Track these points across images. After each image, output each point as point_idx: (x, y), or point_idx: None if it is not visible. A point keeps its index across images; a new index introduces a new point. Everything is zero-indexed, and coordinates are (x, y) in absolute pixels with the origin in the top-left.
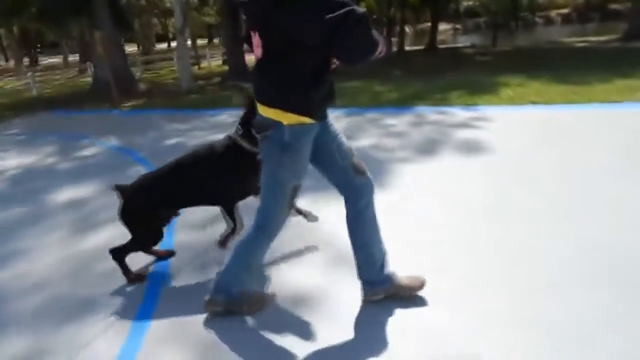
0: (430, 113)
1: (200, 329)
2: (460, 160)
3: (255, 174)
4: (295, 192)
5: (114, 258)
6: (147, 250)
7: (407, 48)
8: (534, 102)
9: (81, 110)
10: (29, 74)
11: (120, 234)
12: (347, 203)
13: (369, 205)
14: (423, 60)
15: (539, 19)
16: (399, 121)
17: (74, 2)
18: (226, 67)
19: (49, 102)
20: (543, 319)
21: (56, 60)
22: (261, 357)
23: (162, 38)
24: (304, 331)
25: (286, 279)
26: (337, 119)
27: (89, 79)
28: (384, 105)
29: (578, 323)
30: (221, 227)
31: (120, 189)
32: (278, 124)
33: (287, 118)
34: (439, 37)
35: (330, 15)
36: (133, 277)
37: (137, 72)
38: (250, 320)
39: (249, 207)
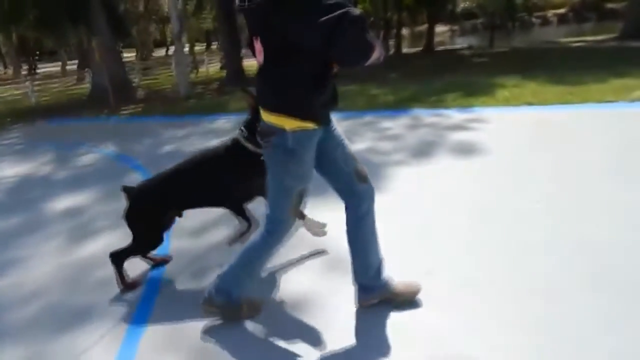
0: (426, 115)
1: (196, 335)
2: (456, 162)
3: (260, 175)
4: (302, 196)
5: (113, 262)
6: (146, 254)
7: (404, 50)
8: (529, 103)
9: (79, 117)
10: (27, 82)
11: (116, 241)
12: (348, 209)
13: (369, 211)
14: (420, 62)
15: (535, 19)
16: (395, 124)
17: (71, 9)
18: (224, 73)
19: (47, 110)
20: (542, 320)
21: (55, 68)
22: None
23: (160, 44)
24: (300, 336)
25: (282, 284)
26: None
27: (88, 87)
28: (380, 108)
29: (576, 324)
30: (217, 233)
31: (127, 190)
32: (280, 130)
33: (290, 123)
34: (437, 39)
35: (326, 17)
36: (128, 285)
37: (135, 78)
38: (246, 326)
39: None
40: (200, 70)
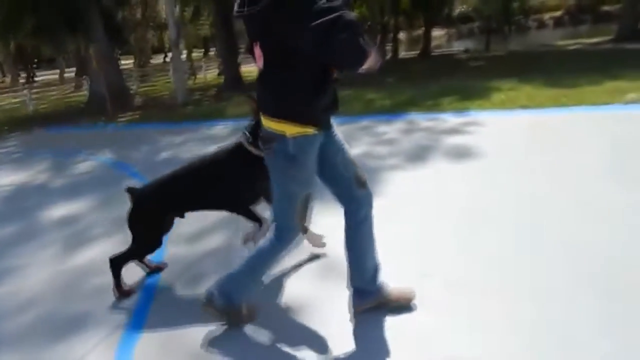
0: (422, 119)
1: (191, 342)
2: (451, 166)
3: (264, 179)
4: (307, 201)
5: (112, 266)
6: (145, 256)
7: (401, 54)
8: (525, 106)
9: (77, 125)
10: (25, 90)
11: (112, 248)
12: (346, 214)
13: (367, 217)
14: (417, 66)
15: (532, 22)
16: (390, 128)
17: (69, 17)
18: (222, 79)
19: (44, 118)
20: (536, 323)
21: (53, 76)
22: None
23: (158, 51)
24: (297, 342)
25: (278, 288)
26: None
27: (85, 94)
28: (376, 112)
29: (571, 326)
30: (212, 240)
31: (131, 192)
32: (281, 136)
33: (290, 129)
34: (434, 43)
35: (319, 20)
36: (123, 292)
37: (133, 85)
38: (242, 332)
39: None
40: (198, 76)
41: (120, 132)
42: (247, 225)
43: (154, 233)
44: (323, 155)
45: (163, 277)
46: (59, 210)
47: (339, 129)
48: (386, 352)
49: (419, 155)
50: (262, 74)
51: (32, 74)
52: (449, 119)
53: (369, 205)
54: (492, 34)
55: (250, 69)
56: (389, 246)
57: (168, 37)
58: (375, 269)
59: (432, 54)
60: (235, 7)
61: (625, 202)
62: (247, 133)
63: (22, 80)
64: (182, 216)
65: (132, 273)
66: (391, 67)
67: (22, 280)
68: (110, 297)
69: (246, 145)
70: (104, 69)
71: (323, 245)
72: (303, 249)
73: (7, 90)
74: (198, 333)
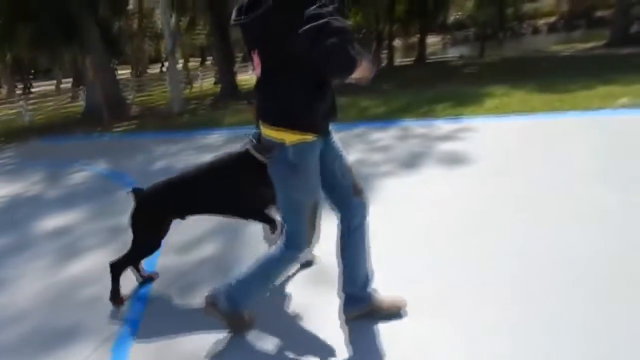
0: (416, 126)
1: (183, 351)
2: (443, 172)
3: (271, 186)
4: (315, 208)
5: (112, 271)
6: (143, 258)
7: (397, 61)
8: (517, 112)
9: (73, 136)
10: (21, 101)
11: (105, 258)
12: (342, 222)
13: (362, 225)
14: (412, 73)
15: (526, 26)
16: (384, 135)
17: (65, 28)
18: (218, 88)
19: (41, 129)
20: (528, 328)
21: (50, 87)
22: None
23: (155, 60)
24: (288, 350)
25: (269, 296)
26: None
27: (82, 105)
28: (370, 119)
29: (564, 331)
30: (203, 249)
31: (135, 192)
32: (280, 144)
33: (290, 137)
34: (429, 50)
35: (307, 26)
36: (119, 299)
37: (129, 95)
38: (233, 341)
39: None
40: (194, 85)
41: (116, 142)
42: (238, 236)
43: (153, 235)
44: (321, 162)
45: (154, 286)
46: (53, 221)
47: (334, 136)
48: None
49: (412, 161)
50: (260, 81)
51: (29, 85)
52: (443, 126)
53: (364, 214)
54: (487, 40)
55: (246, 78)
56: (382, 253)
57: (165, 46)
58: (367, 277)
59: (428, 60)
60: (233, 16)
61: (618, 206)
62: (253, 140)
63: (18, 91)
64: (183, 218)
65: (124, 283)
66: (386, 74)
67: (15, 291)
68: (103, 307)
69: (253, 152)
70: (101, 79)
71: (315, 263)
72: None
73: (3, 101)
74: (190, 342)
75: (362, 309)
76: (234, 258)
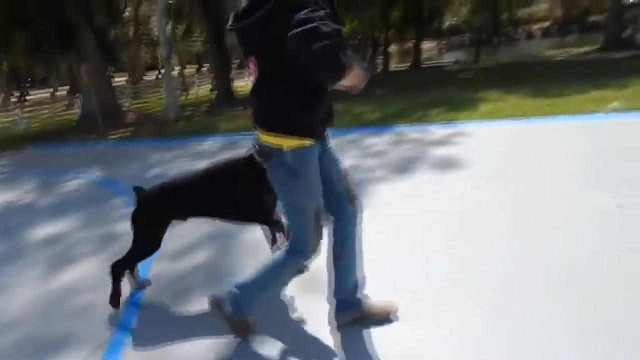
0: (410, 131)
1: (175, 357)
2: (436, 178)
3: (270, 190)
4: (318, 213)
5: (113, 273)
6: (142, 259)
7: (392, 67)
8: (510, 116)
9: (68, 143)
10: (17, 110)
11: (98, 266)
12: (335, 230)
13: (353, 233)
14: (407, 78)
15: (521, 31)
16: (379, 140)
17: (61, 36)
18: (214, 94)
19: (36, 137)
20: (517, 334)
21: (45, 95)
22: None
23: (151, 67)
24: (280, 356)
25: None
26: None
27: (77, 112)
28: (365, 125)
29: (552, 337)
30: (196, 255)
31: (138, 192)
32: (278, 150)
33: (287, 142)
34: (424, 55)
35: (296, 30)
36: (117, 301)
37: (125, 102)
38: (227, 347)
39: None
40: (190, 92)
41: (111, 149)
42: (232, 242)
43: (155, 235)
44: (319, 166)
45: (148, 293)
46: (46, 229)
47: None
48: None
49: (406, 166)
50: (257, 87)
51: (25, 93)
52: (437, 131)
53: (355, 222)
54: (482, 45)
55: (242, 84)
56: (374, 258)
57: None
58: (357, 283)
59: (423, 66)
60: (230, 21)
61: (612, 208)
62: (256, 145)
63: (14, 100)
64: (184, 219)
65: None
66: (382, 79)
67: (8, 298)
68: (96, 314)
69: (257, 157)
70: (96, 87)
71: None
72: None
73: None
74: (184, 348)
75: (353, 315)
76: (228, 264)
